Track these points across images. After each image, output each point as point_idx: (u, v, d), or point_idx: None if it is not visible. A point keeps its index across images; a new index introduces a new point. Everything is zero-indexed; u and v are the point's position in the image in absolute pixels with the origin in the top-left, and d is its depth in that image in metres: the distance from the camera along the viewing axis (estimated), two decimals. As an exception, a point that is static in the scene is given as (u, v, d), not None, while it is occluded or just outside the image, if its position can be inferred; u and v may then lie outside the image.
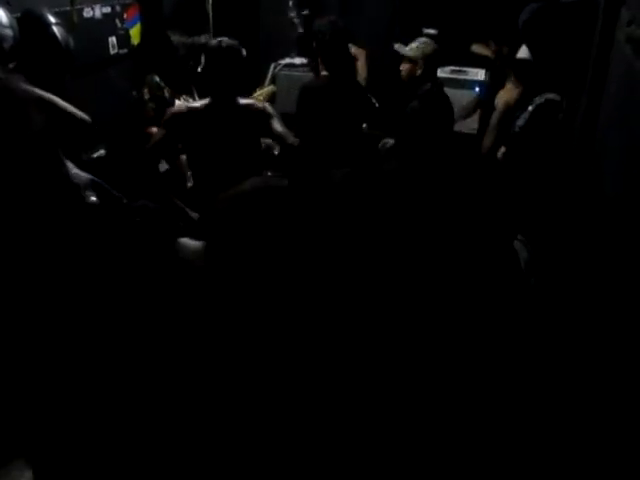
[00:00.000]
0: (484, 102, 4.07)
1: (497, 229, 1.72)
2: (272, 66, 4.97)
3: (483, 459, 1.64)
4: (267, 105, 3.04)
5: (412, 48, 3.61)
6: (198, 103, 2.97)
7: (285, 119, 3.06)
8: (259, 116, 2.93)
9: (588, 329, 1.90)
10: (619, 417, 1.52)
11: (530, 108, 3.15)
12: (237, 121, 2.88)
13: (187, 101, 3.98)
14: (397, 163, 2.13)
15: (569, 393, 1.75)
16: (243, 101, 2.97)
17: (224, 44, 2.80)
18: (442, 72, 4.45)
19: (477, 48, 4.31)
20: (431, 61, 3.64)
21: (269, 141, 3.21)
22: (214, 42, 2.84)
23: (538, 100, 3.10)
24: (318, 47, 3.41)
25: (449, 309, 1.68)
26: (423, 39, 3.72)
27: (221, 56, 2.78)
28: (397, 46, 3.70)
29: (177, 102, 3.91)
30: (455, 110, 2.38)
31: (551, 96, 3.11)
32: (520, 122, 3.18)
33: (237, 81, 2.89)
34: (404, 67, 3.66)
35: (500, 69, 3.95)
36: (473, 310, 1.65)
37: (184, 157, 3.99)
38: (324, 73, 3.44)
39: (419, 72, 3.65)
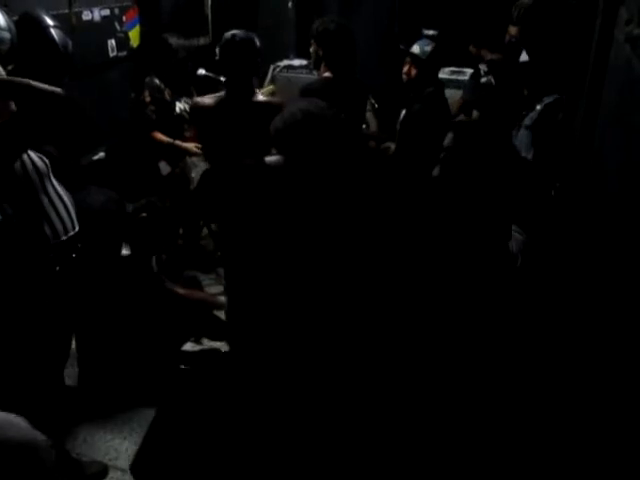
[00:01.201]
0: (471, 102, 4.07)
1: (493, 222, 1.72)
2: (271, 68, 4.97)
3: (480, 450, 1.63)
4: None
5: (424, 51, 3.53)
6: (213, 97, 2.99)
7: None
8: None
9: (580, 322, 1.90)
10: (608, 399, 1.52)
11: (538, 107, 3.13)
12: (254, 115, 2.89)
13: (187, 103, 3.98)
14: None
15: (560, 379, 1.75)
16: (262, 98, 3.05)
17: (237, 37, 2.85)
18: (442, 73, 4.42)
19: (476, 49, 4.31)
20: (434, 63, 3.59)
21: None
22: (228, 35, 2.88)
23: (547, 100, 3.09)
24: (322, 49, 3.36)
25: (443, 295, 1.68)
26: (427, 40, 3.67)
27: (234, 48, 2.85)
28: (414, 47, 3.61)
29: (177, 104, 3.91)
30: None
31: (557, 97, 3.10)
32: (527, 121, 3.16)
33: (251, 73, 2.97)
34: (410, 69, 3.58)
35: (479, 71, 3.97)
36: (465, 296, 1.65)
37: (189, 159, 4.02)
38: (327, 74, 3.41)
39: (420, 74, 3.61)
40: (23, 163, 2.17)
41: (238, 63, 2.87)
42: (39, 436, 1.26)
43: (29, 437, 1.26)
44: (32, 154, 2.21)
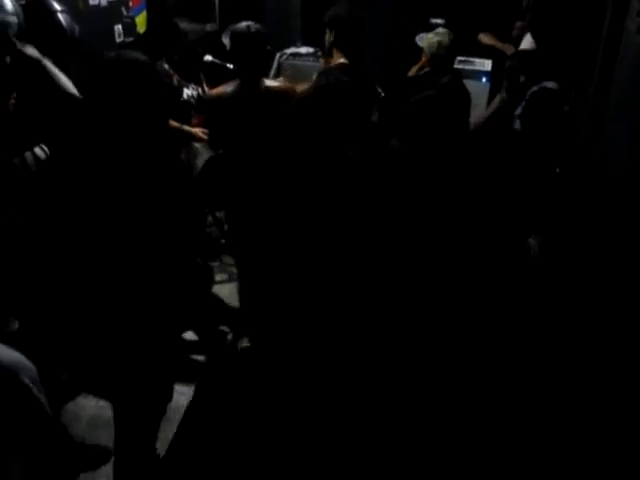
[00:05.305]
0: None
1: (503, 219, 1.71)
2: (278, 55, 4.94)
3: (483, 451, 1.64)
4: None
5: (435, 40, 3.49)
6: (228, 86, 3.14)
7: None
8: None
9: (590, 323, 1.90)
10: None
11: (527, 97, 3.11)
12: (266, 103, 3.07)
13: (196, 90, 3.96)
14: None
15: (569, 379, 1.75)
16: (273, 83, 3.25)
17: (252, 29, 3.01)
18: (449, 62, 4.41)
19: (484, 38, 4.28)
20: (451, 52, 3.55)
21: None
22: (241, 27, 3.04)
23: (534, 88, 3.07)
24: (336, 36, 3.35)
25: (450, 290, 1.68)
26: (441, 29, 3.63)
27: (250, 40, 3.01)
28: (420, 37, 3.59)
29: (185, 90, 3.89)
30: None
31: (549, 85, 3.07)
32: (518, 111, 3.14)
33: (263, 62, 3.19)
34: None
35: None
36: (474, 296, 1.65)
37: (196, 145, 4.00)
38: (343, 60, 3.38)
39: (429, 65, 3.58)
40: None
41: (253, 54, 3.04)
42: (18, 357, 1.25)
43: (11, 360, 1.24)
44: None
